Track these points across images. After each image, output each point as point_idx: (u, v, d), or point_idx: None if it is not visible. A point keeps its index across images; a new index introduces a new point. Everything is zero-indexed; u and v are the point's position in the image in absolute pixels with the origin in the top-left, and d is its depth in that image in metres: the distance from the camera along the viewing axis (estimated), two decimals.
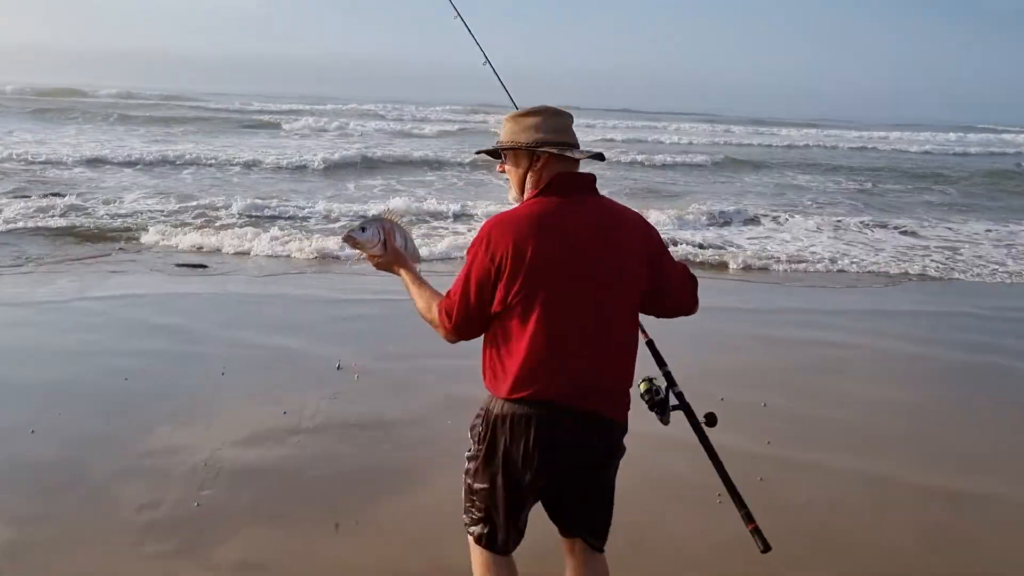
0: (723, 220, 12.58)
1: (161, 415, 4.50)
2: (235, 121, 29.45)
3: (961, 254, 10.98)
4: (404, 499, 3.73)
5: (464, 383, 5.11)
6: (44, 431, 4.24)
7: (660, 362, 2.53)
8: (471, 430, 2.31)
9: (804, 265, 9.65)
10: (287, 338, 5.97)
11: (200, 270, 8.26)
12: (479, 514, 2.28)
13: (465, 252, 2.21)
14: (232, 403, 4.72)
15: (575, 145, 2.23)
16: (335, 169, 17.44)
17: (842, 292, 8.72)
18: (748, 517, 2.29)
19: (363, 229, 2.39)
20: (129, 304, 6.87)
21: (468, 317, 2.18)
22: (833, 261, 9.86)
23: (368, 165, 18.37)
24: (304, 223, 10.99)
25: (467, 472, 2.31)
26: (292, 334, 6.08)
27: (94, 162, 16.06)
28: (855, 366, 6.04)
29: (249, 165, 16.98)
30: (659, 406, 2.35)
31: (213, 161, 16.96)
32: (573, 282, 2.11)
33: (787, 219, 12.99)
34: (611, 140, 30.76)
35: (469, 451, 2.31)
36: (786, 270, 9.47)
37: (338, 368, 5.23)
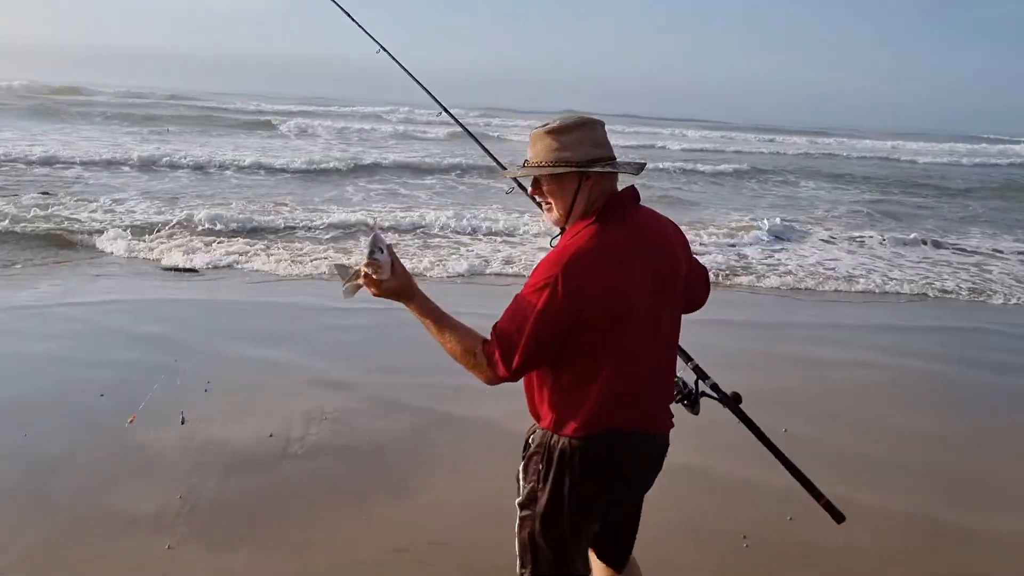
0: (776, 236, 11.84)
1: (135, 438, 4.14)
2: (235, 122, 29.18)
3: (990, 271, 10.51)
4: (400, 529, 3.39)
5: (462, 401, 4.81)
6: (5, 454, 3.90)
7: (686, 357, 2.53)
8: (524, 473, 2.14)
9: (821, 279, 9.24)
10: (276, 350, 5.63)
11: (189, 275, 7.93)
12: (550, 559, 2.13)
13: (527, 287, 1.97)
14: (214, 424, 4.36)
15: (615, 157, 2.09)
16: (334, 172, 17.09)
17: (861, 307, 8.35)
18: (817, 494, 2.36)
19: (381, 250, 1.98)
20: (112, 310, 6.53)
21: (534, 361, 1.97)
22: (852, 279, 9.35)
23: (369, 168, 18.00)
24: (291, 232, 10.32)
25: (525, 519, 2.13)
26: (282, 346, 5.74)
27: (89, 162, 15.66)
28: (879, 388, 5.66)
29: (246, 167, 16.61)
30: (688, 398, 2.36)
31: (210, 162, 16.58)
32: (643, 309, 2.03)
33: (804, 230, 12.53)
34: (616, 146, 30.45)
35: (522, 497, 2.14)
36: (805, 286, 8.99)
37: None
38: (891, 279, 9.45)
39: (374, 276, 1.97)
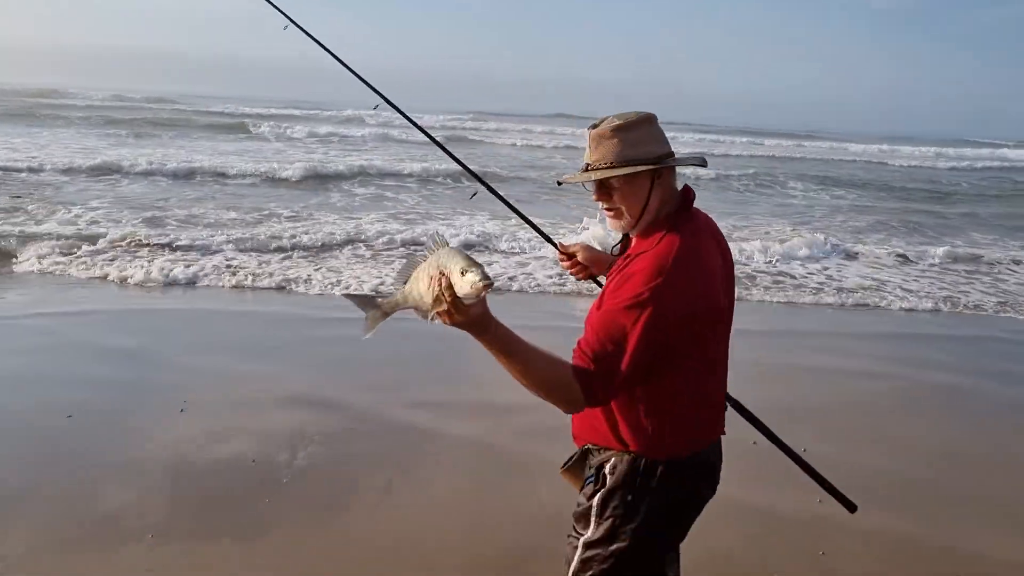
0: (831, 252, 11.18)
1: (105, 466, 3.78)
2: (223, 127, 28.61)
3: (1005, 279, 10.09)
4: (399, 536, 3.06)
5: (460, 419, 4.52)
6: None
7: None
8: (603, 508, 1.90)
9: (829, 287, 8.89)
10: (259, 364, 5.28)
11: (164, 284, 7.51)
12: None
13: (621, 300, 1.76)
14: (190, 449, 4.00)
15: (675, 152, 1.93)
16: (318, 177, 16.57)
17: (873, 315, 8.02)
18: (828, 486, 2.31)
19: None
20: (85, 322, 6.17)
21: (633, 379, 1.77)
22: (862, 289, 8.93)
23: (359, 174, 17.44)
24: (273, 240, 9.77)
25: (591, 559, 1.90)
26: (264, 360, 5.39)
27: (62, 167, 14.95)
28: (897, 402, 5.37)
29: (226, 173, 15.98)
30: None
31: (188, 168, 16.01)
32: (724, 315, 1.93)
33: (810, 237, 12.00)
34: None
35: (594, 534, 1.91)
36: (814, 300, 8.46)
37: None
38: (905, 291, 9.01)
39: (467, 302, 1.58)
